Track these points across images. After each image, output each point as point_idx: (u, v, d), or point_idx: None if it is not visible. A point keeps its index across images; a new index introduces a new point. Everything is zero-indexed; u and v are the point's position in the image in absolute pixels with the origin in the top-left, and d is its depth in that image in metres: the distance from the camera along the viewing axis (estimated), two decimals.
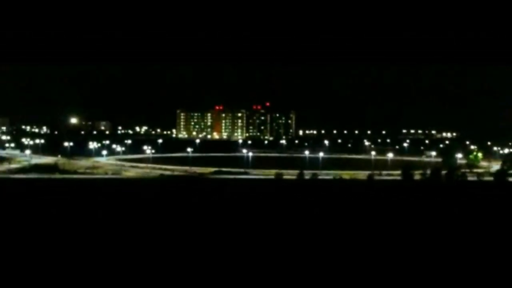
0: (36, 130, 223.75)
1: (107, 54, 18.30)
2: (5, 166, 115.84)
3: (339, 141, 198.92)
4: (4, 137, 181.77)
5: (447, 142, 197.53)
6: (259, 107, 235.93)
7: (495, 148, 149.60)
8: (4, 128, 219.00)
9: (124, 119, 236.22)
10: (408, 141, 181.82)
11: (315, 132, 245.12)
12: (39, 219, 25.73)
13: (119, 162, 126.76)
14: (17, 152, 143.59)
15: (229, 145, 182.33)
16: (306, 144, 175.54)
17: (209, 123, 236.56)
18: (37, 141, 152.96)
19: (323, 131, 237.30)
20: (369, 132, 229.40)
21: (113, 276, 15.05)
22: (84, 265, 15.81)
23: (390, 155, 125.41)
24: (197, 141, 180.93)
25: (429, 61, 23.02)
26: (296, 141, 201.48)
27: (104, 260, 16.49)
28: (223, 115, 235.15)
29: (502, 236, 21.33)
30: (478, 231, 22.95)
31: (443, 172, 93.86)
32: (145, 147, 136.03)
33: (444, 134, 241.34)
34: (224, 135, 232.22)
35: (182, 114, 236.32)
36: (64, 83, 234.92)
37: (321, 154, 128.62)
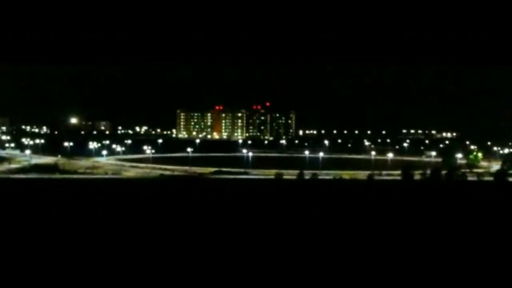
0: (36, 130, 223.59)
1: (107, 54, 18.29)
2: (5, 166, 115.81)
3: (339, 141, 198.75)
4: (4, 137, 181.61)
5: (447, 142, 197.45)
6: (259, 107, 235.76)
7: (495, 148, 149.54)
8: (4, 128, 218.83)
9: (124, 119, 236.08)
10: (408, 141, 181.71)
11: (315, 132, 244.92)
12: (39, 219, 25.74)
13: (119, 162, 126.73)
14: (17, 152, 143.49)
15: (229, 145, 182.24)
16: (306, 144, 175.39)
17: (209, 123, 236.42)
18: (37, 141, 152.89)
19: (323, 131, 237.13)
20: (369, 132, 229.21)
21: (113, 276, 15.05)
22: (84, 265, 15.81)
23: (390, 155, 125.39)
24: (197, 141, 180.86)
25: (429, 61, 23.00)
26: (296, 141, 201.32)
27: (104, 260, 16.49)
28: (223, 115, 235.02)
29: (502, 236, 21.33)
30: (478, 231, 22.95)
31: (443, 172, 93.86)
32: (145, 147, 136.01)
33: (444, 134, 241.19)
34: (224, 135, 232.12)
35: (182, 114, 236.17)
36: (64, 83, 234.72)
37: (321, 154, 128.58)
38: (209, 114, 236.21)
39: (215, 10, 15.13)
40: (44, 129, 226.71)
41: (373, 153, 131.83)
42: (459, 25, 15.69)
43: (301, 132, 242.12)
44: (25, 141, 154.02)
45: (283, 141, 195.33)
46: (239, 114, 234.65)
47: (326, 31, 16.20)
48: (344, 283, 14.83)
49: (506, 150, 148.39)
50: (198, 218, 26.60)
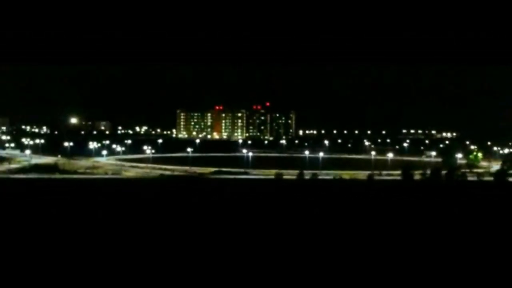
0: (36, 130, 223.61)
1: (107, 54, 18.29)
2: (5, 166, 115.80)
3: (339, 141, 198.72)
4: (4, 137, 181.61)
5: (447, 142, 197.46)
6: (259, 107, 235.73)
7: (495, 148, 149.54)
8: (4, 128, 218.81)
9: (124, 119, 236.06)
10: (408, 141, 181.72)
11: (315, 132, 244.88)
12: (39, 219, 25.73)
13: (119, 162, 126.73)
14: (17, 152, 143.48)
15: (229, 145, 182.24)
16: (306, 144, 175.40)
17: (209, 123, 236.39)
18: (37, 141, 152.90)
19: (323, 131, 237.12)
20: (369, 132, 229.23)
21: (113, 276, 15.05)
22: (84, 265, 15.81)
23: (390, 155, 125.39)
24: (197, 141, 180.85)
25: (429, 61, 23.00)
26: (296, 141, 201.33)
27: (104, 260, 16.49)
28: (223, 115, 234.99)
29: (502, 236, 21.33)
30: (478, 231, 22.95)
31: (443, 172, 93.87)
32: (145, 147, 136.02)
33: (444, 134, 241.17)
34: (224, 135, 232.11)
35: (182, 114, 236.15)
36: (64, 83, 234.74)
37: (321, 154, 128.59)
38: (209, 114, 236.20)
39: (215, 10, 15.13)
40: (44, 129, 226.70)
41: (373, 153, 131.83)
42: (459, 25, 15.69)
43: (301, 132, 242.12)
44: (25, 141, 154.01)
45: (283, 141, 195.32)
46: (239, 114, 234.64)
47: (326, 31, 16.20)
48: (344, 283, 14.83)
49: (506, 150, 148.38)
50: (198, 218, 26.60)
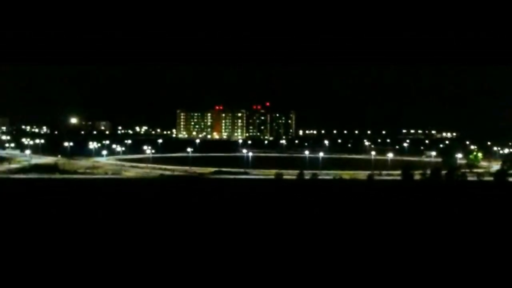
0: (36, 130, 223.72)
1: (107, 54, 18.31)
2: (5, 166, 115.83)
3: (339, 141, 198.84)
4: (4, 137, 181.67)
5: (447, 142, 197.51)
6: (259, 107, 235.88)
7: (495, 148, 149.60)
8: (4, 128, 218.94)
9: (124, 119, 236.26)
10: (408, 141, 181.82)
11: (315, 132, 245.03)
12: (39, 219, 25.73)
13: (119, 162, 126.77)
14: (17, 152, 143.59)
15: (229, 145, 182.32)
16: (306, 144, 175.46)
17: (209, 123, 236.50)
18: (37, 141, 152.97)
19: (323, 131, 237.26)
20: (369, 132, 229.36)
21: (113, 276, 15.05)
22: (84, 265, 15.81)
23: (390, 155, 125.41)
24: (197, 141, 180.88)
25: (429, 61, 23.02)
26: (296, 141, 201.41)
27: (104, 260, 16.48)
28: (223, 115, 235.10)
29: (502, 236, 21.33)
30: (478, 231, 22.95)
31: (443, 172, 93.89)
32: (145, 147, 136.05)
33: (444, 134, 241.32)
34: (224, 135, 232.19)
35: (182, 114, 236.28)
36: (64, 83, 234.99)
37: (321, 154, 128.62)
38: (209, 114, 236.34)
39: (215, 10, 15.13)
40: (44, 129, 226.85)
41: (373, 153, 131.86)
42: (459, 25, 15.69)
43: (301, 132, 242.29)
44: (25, 141, 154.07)
45: (283, 141, 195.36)
46: (239, 114, 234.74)
47: (326, 31, 16.21)
48: (344, 283, 14.82)
49: (506, 150, 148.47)
50: (198, 218, 26.59)
